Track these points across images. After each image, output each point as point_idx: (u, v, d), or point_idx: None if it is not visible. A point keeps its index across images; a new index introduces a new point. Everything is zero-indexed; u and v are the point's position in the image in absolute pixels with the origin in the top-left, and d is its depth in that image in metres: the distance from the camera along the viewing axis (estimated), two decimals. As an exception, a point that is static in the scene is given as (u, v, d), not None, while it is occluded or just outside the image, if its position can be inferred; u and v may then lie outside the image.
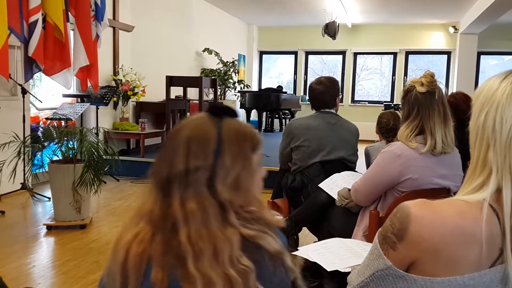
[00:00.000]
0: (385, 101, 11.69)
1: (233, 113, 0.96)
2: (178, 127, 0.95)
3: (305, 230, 2.93)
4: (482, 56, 11.35)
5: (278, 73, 13.30)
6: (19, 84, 4.70)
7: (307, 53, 12.60)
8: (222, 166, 0.90)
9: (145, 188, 0.95)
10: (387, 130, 3.11)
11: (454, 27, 10.91)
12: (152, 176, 0.94)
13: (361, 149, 2.96)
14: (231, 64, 9.86)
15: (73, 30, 4.80)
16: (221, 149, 0.90)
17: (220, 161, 0.90)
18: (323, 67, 12.78)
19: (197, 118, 0.95)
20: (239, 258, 0.86)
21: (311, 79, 12.32)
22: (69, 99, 5.90)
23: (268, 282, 0.89)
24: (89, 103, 5.45)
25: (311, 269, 2.52)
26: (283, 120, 11.00)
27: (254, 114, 11.05)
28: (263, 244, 0.89)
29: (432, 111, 1.92)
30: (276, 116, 11.02)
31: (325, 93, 2.81)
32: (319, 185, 2.54)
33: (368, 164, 3.20)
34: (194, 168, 0.89)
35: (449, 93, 3.48)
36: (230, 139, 0.91)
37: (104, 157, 3.80)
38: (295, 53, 12.56)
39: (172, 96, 7.09)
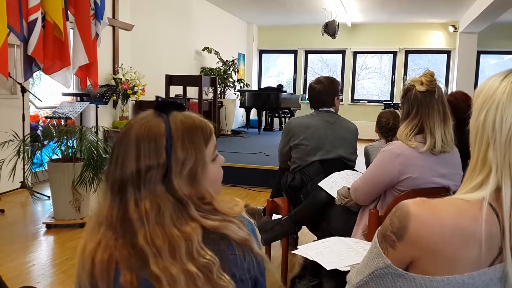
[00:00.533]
0: (384, 100, 11.69)
1: (180, 107, 0.96)
2: (127, 127, 0.94)
3: (304, 229, 2.94)
4: (481, 55, 11.35)
5: (278, 72, 13.29)
6: (18, 83, 4.70)
7: (307, 52, 12.59)
8: (176, 161, 0.89)
9: (100, 194, 0.95)
10: (386, 129, 3.11)
11: (453, 26, 10.91)
12: (105, 180, 0.93)
13: (360, 148, 2.96)
14: (230, 63, 9.85)
15: (72, 29, 4.79)
16: (172, 144, 0.89)
17: (173, 156, 0.89)
18: (323, 66, 12.78)
19: (144, 116, 0.94)
20: (200, 251, 0.86)
21: (310, 78, 12.32)
22: (69, 98, 5.89)
23: (239, 269, 0.89)
24: (89, 102, 5.44)
25: (311, 268, 2.52)
26: (283, 119, 10.99)
27: (253, 113, 11.05)
28: (227, 233, 0.89)
29: (431, 110, 1.92)
30: (276, 115, 11.01)
31: (324, 92, 2.82)
32: (319, 184, 2.54)
33: (367, 163, 3.20)
34: (147, 168, 0.88)
35: (449, 92, 3.48)
36: (180, 133, 0.91)
37: (103, 155, 3.80)
38: (294, 52, 12.56)
39: (172, 95, 7.10)
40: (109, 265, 0.87)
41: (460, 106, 3.13)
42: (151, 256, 0.85)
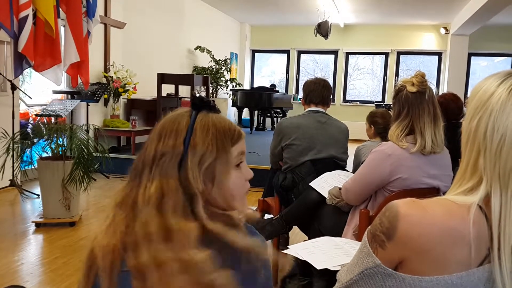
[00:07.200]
0: (376, 101, 11.75)
1: (213, 108, 0.97)
2: (161, 118, 0.97)
3: (295, 228, 2.94)
4: (472, 57, 11.44)
5: (270, 72, 13.30)
6: (8, 80, 4.66)
7: (300, 52, 12.61)
8: (193, 152, 0.89)
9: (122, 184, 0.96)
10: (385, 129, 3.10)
11: (445, 28, 10.99)
12: (130, 170, 0.95)
13: (352, 148, 2.97)
14: (223, 62, 9.84)
15: (64, 26, 4.75)
16: (192, 136, 0.90)
17: (190, 147, 0.89)
18: (315, 66, 12.80)
19: (177, 111, 0.97)
20: (193, 250, 0.83)
21: (303, 78, 12.35)
22: (59, 96, 5.85)
23: (245, 276, 0.88)
24: (80, 100, 5.41)
25: (301, 267, 2.53)
26: (275, 119, 10.99)
27: (246, 113, 11.05)
28: (231, 240, 0.87)
29: (422, 111, 1.93)
30: (268, 114, 11.02)
31: (324, 89, 2.85)
32: (310, 184, 2.55)
33: (356, 163, 3.21)
34: (162, 153, 0.89)
35: (440, 93, 3.50)
36: (204, 128, 0.92)
37: (94, 154, 3.77)
38: (287, 52, 12.57)
39: (164, 93, 7.07)
40: (114, 251, 0.85)
41: (450, 107, 3.16)
42: (143, 242, 0.83)
